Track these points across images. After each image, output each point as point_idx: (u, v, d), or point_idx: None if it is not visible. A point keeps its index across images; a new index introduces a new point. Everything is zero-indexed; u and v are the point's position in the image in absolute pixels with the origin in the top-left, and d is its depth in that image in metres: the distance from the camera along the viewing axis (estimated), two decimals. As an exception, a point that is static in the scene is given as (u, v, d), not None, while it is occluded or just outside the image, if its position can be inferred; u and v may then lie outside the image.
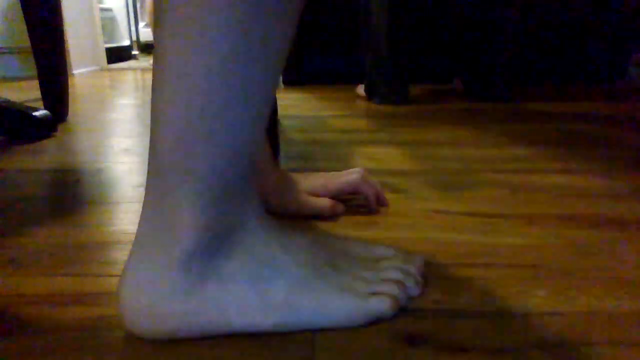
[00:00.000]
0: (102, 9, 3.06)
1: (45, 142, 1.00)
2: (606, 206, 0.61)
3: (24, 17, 1.13)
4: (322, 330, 0.35)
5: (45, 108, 1.15)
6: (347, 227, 0.55)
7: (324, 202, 0.56)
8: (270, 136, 0.81)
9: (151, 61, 3.55)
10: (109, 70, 2.86)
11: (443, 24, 1.90)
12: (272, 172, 0.56)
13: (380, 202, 0.60)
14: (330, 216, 0.57)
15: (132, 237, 0.52)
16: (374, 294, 0.36)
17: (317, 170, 0.76)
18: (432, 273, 0.44)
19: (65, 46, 1.22)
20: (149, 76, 2.48)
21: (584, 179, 0.71)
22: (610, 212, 0.58)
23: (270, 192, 0.56)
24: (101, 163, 0.83)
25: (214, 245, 0.32)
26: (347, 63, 2.00)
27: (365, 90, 1.53)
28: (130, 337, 0.35)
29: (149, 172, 0.32)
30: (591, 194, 0.65)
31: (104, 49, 2.93)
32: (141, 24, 3.97)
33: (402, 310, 0.38)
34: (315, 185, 0.58)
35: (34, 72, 1.23)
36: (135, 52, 3.79)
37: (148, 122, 1.22)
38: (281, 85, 1.93)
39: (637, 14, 1.90)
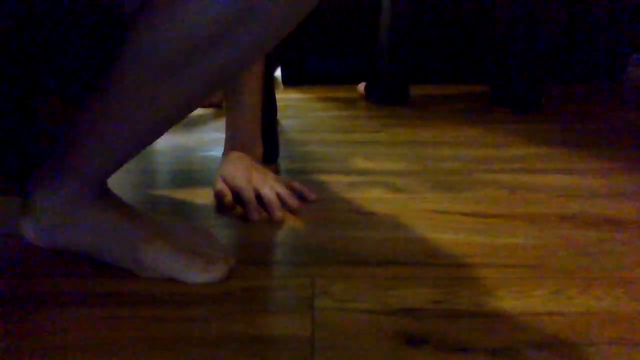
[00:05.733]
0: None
1: (45, 142, 1.00)
2: (606, 206, 0.61)
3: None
4: (322, 330, 0.36)
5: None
6: (346, 227, 0.55)
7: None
8: (270, 136, 0.81)
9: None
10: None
11: (443, 24, 1.90)
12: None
13: (304, 198, 0.62)
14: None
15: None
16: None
17: (316, 170, 0.76)
18: (432, 273, 0.44)
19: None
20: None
21: (584, 179, 0.71)
22: (610, 212, 0.59)
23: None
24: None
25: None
26: (347, 63, 2.00)
27: (366, 90, 1.53)
28: (131, 338, 0.35)
29: None
30: (591, 194, 0.65)
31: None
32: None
33: (403, 310, 0.38)
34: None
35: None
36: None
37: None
38: (281, 85, 1.93)
39: (636, 13, 1.90)
